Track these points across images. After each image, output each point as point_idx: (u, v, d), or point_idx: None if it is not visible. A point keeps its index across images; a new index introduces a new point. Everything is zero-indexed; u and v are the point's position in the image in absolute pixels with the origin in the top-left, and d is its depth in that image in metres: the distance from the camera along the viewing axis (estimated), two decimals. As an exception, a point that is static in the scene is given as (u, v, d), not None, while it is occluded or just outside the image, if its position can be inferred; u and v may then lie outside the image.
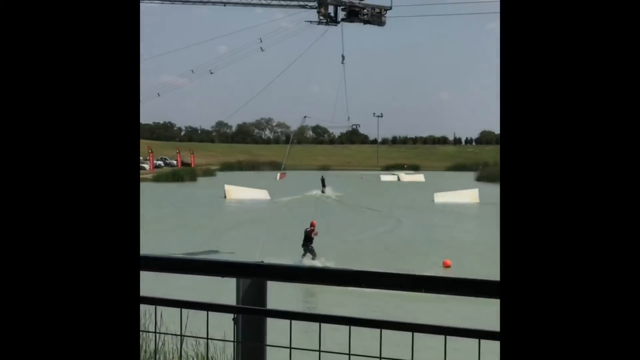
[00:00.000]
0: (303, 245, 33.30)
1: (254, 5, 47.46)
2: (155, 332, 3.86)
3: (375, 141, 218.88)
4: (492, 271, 3.15)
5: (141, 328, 5.42)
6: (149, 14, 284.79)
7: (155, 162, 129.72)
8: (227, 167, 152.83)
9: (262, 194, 69.80)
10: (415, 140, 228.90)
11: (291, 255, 30.68)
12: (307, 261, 31.86)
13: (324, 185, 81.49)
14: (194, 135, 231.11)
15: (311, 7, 45.39)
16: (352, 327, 3.21)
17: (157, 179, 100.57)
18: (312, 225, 33.67)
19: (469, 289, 3.20)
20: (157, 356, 7.58)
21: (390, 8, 44.74)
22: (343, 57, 48.40)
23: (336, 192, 78.45)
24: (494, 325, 2.75)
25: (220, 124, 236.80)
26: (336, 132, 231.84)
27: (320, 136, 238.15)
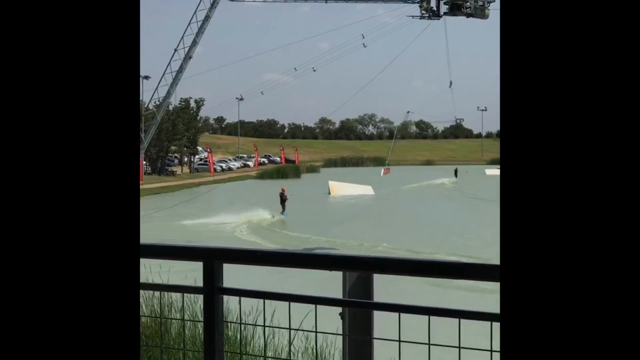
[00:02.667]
0: (281, 203, 50.18)
1: (355, 1, 47.56)
2: (264, 326, 3.89)
3: (479, 135, 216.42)
4: None
5: (250, 322, 5.49)
6: (251, 13, 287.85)
7: (259, 159, 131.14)
8: (331, 163, 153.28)
9: (366, 190, 69.78)
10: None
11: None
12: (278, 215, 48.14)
13: (455, 176, 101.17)
14: (297, 132, 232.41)
15: (413, 2, 45.23)
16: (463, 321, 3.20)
17: (262, 176, 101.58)
18: (282, 190, 51.37)
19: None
20: (267, 350, 7.68)
21: (494, 0, 44.22)
22: (451, 82, 49.01)
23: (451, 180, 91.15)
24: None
25: (323, 121, 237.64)
26: (440, 126, 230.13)
27: (423, 131, 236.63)
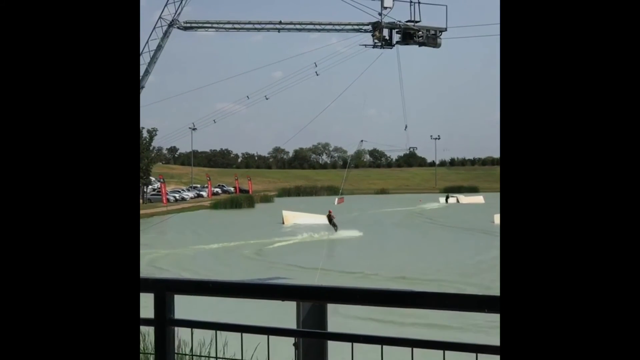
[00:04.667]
0: (330, 223, 60.32)
1: (309, 30, 47.70)
2: (216, 358, 3.85)
3: (433, 164, 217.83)
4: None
5: (204, 354, 5.41)
6: (204, 43, 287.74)
7: (212, 189, 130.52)
8: (285, 192, 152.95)
9: (320, 219, 69.80)
10: (473, 162, 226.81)
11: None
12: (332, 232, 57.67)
13: (447, 199, 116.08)
14: (251, 162, 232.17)
15: (366, 31, 45.50)
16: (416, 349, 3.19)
17: (215, 206, 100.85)
18: (329, 212, 61.18)
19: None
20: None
21: (446, 29, 44.62)
22: (406, 126, 49.81)
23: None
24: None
25: (277, 150, 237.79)
26: (393, 155, 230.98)
27: (377, 160, 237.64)
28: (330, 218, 61.73)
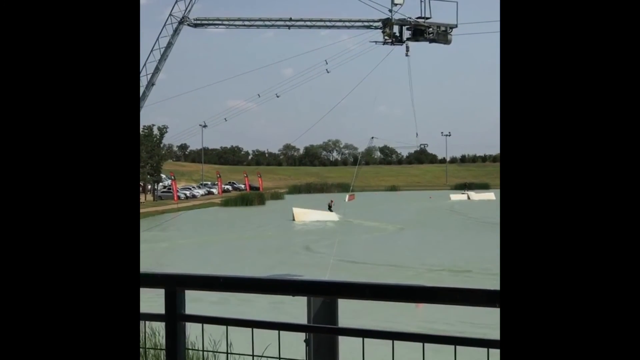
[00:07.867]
0: (328, 208, 75.02)
1: (319, 27, 47.80)
2: (227, 353, 3.85)
3: (443, 160, 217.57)
4: None
5: (213, 349, 5.42)
6: (214, 40, 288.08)
7: (223, 186, 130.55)
8: (295, 190, 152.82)
9: (330, 216, 69.93)
10: (484, 159, 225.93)
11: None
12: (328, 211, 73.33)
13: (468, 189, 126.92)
14: (262, 159, 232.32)
15: (376, 28, 45.56)
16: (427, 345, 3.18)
17: (226, 203, 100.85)
18: (331, 201, 78.76)
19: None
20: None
21: (456, 26, 44.65)
22: (417, 133, 50.40)
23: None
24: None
25: (287, 147, 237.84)
26: (404, 152, 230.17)
27: (388, 157, 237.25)
28: (329, 206, 77.86)
